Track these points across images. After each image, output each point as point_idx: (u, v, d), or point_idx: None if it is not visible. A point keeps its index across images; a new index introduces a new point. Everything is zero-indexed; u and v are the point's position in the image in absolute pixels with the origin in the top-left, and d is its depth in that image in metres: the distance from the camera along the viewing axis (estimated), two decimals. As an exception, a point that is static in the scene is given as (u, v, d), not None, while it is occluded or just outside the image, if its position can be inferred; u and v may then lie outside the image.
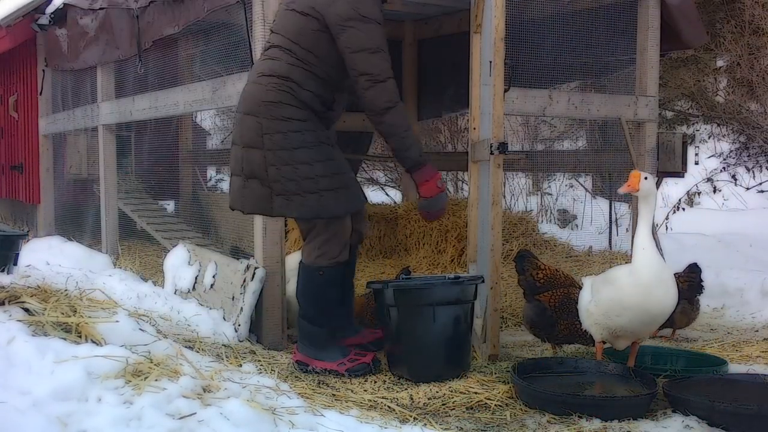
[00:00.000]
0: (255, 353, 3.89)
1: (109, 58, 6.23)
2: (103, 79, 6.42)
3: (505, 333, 4.69)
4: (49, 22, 7.20)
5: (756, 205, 10.71)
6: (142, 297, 4.53)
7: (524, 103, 4.83)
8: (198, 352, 3.61)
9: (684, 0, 5.43)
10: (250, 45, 4.28)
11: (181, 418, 2.50)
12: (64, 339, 3.02)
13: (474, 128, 4.31)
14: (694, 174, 9.75)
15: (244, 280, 4.17)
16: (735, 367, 3.85)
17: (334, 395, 3.31)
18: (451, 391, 3.38)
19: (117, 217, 6.57)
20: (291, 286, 4.35)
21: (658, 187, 5.76)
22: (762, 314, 5.10)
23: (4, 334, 2.91)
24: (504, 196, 9.56)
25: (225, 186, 12.86)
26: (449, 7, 6.37)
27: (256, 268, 4.17)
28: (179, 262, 4.87)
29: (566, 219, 10.73)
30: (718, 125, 9.17)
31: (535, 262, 4.17)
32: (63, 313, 3.22)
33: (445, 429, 2.95)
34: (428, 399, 3.31)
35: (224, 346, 3.90)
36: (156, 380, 2.72)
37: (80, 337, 3.10)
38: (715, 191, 9.95)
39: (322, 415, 2.80)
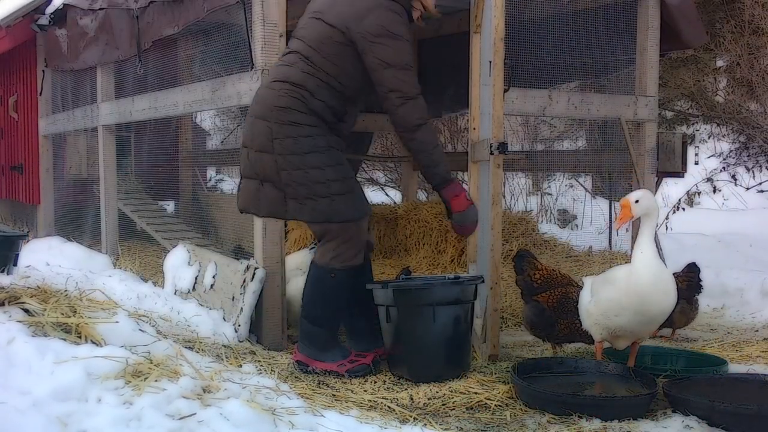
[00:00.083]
0: (255, 354, 3.89)
1: (109, 59, 6.23)
2: (103, 79, 6.42)
3: (505, 333, 4.69)
4: (49, 22, 7.20)
5: (756, 205, 10.71)
6: (142, 297, 4.53)
7: (524, 103, 4.83)
8: (198, 352, 3.61)
9: (684, 0, 5.44)
10: (249, 45, 4.28)
11: (181, 418, 2.50)
12: (64, 339, 3.02)
13: (474, 128, 4.31)
14: (694, 174, 9.75)
15: (244, 281, 4.17)
16: (735, 367, 3.85)
17: (334, 395, 3.31)
18: (451, 391, 3.38)
19: (117, 217, 6.56)
20: (291, 287, 4.36)
21: (657, 188, 5.79)
22: (762, 314, 5.10)
23: (4, 334, 2.91)
24: (504, 196, 9.56)
25: (225, 186, 12.87)
26: (449, 7, 6.37)
27: (256, 268, 4.17)
28: (179, 263, 4.87)
29: (566, 219, 10.74)
30: (718, 125, 9.17)
31: (533, 263, 4.17)
32: (63, 314, 3.22)
33: (445, 429, 2.95)
34: (428, 399, 3.30)
35: (224, 346, 3.90)
36: (156, 381, 2.72)
37: (80, 337, 3.10)
38: (715, 191, 9.95)
39: (322, 415, 2.80)
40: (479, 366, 3.83)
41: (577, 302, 3.78)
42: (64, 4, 6.79)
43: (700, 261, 4.73)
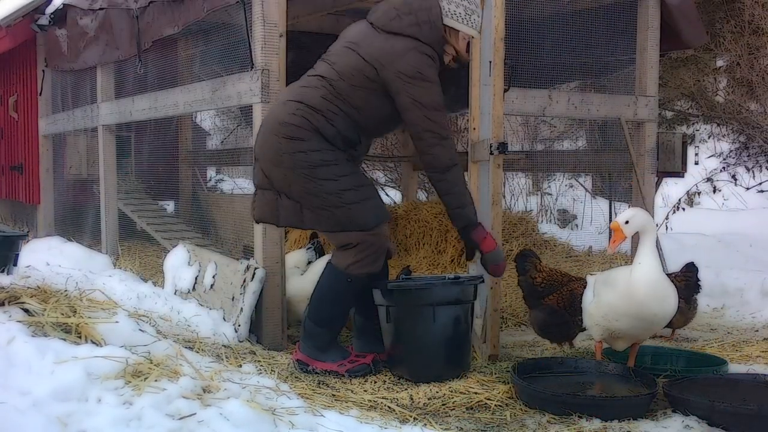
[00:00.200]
0: (255, 354, 3.89)
1: (109, 59, 6.23)
2: (103, 79, 6.42)
3: (505, 333, 4.69)
4: (49, 22, 7.20)
5: (756, 205, 10.71)
6: (142, 297, 4.53)
7: (524, 103, 4.83)
8: (198, 352, 3.61)
9: (684, 0, 5.44)
10: (250, 45, 4.28)
11: (181, 418, 2.50)
12: (64, 339, 3.02)
13: (474, 128, 4.31)
14: (694, 174, 9.75)
15: (244, 281, 4.17)
16: (735, 367, 3.85)
17: (334, 395, 3.31)
18: (451, 391, 3.38)
19: (117, 217, 6.56)
20: (290, 286, 4.36)
21: (657, 188, 5.79)
22: (762, 314, 5.10)
23: (4, 334, 2.91)
24: (504, 196, 9.56)
25: (225, 186, 12.87)
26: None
27: (256, 268, 4.17)
28: (179, 263, 4.87)
29: (566, 219, 10.74)
30: (718, 125, 9.16)
31: (535, 263, 4.16)
32: (63, 314, 3.22)
33: (445, 429, 2.95)
34: (428, 399, 3.30)
35: (224, 346, 3.90)
36: (156, 381, 2.72)
37: (80, 337, 3.10)
38: (715, 191, 9.95)
39: (322, 415, 2.80)
40: (479, 366, 3.83)
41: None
42: (64, 4, 6.79)
43: (700, 261, 4.72)
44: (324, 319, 3.67)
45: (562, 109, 5.05)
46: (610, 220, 7.26)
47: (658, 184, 5.75)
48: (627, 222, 3.44)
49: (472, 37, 3.68)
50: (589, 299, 3.67)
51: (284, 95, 3.67)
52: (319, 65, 3.66)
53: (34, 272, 5.04)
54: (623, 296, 3.42)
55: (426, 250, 6.48)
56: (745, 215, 9.90)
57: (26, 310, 3.27)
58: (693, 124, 9.65)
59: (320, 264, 4.36)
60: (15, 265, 5.11)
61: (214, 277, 4.51)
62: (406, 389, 3.43)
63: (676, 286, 3.49)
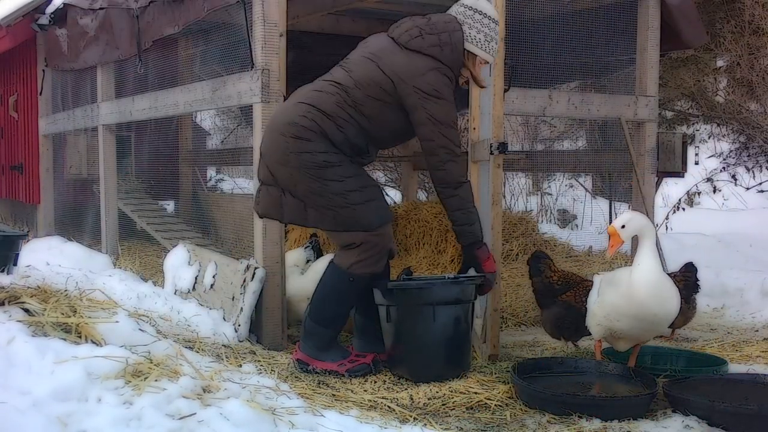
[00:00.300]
0: (255, 353, 3.89)
1: (109, 58, 6.23)
2: (103, 79, 6.42)
3: (505, 333, 4.69)
4: (49, 22, 7.20)
5: (756, 205, 10.71)
6: (142, 297, 4.53)
7: (524, 103, 4.83)
8: (198, 352, 3.61)
9: (684, 0, 5.43)
10: (250, 45, 4.28)
11: (181, 418, 2.50)
12: (64, 339, 3.02)
13: (474, 128, 4.31)
14: (694, 174, 9.75)
15: (244, 280, 4.17)
16: (735, 367, 3.85)
17: (334, 395, 3.31)
18: (451, 391, 3.38)
19: (117, 217, 6.56)
20: (290, 285, 4.36)
21: (657, 188, 5.78)
22: (762, 314, 5.10)
23: (4, 334, 2.91)
24: (504, 196, 9.56)
25: (225, 186, 12.88)
26: (449, 7, 6.37)
27: (256, 268, 4.17)
28: (179, 263, 4.87)
29: (566, 219, 10.73)
30: (718, 125, 9.16)
31: (550, 264, 4.14)
32: (63, 314, 3.22)
33: (445, 429, 2.95)
34: (428, 399, 3.31)
35: (224, 346, 3.90)
36: (156, 380, 2.72)
37: (80, 337, 3.10)
38: (715, 191, 9.95)
39: (322, 415, 2.80)
40: (479, 366, 3.83)
41: None
42: (65, 4, 6.79)
43: (700, 261, 4.73)
44: (325, 319, 3.68)
45: (563, 109, 5.05)
46: (610, 220, 7.25)
47: (658, 184, 5.74)
48: (623, 226, 3.44)
49: (488, 63, 3.73)
50: (593, 299, 3.68)
51: (295, 97, 3.68)
52: (336, 71, 3.68)
53: (34, 272, 5.04)
54: (624, 297, 3.42)
55: (426, 250, 6.48)
56: (745, 215, 9.90)
57: (26, 310, 3.27)
58: (693, 124, 9.64)
59: (321, 263, 4.36)
60: (15, 264, 5.11)
61: (214, 276, 4.51)
62: (406, 389, 3.43)
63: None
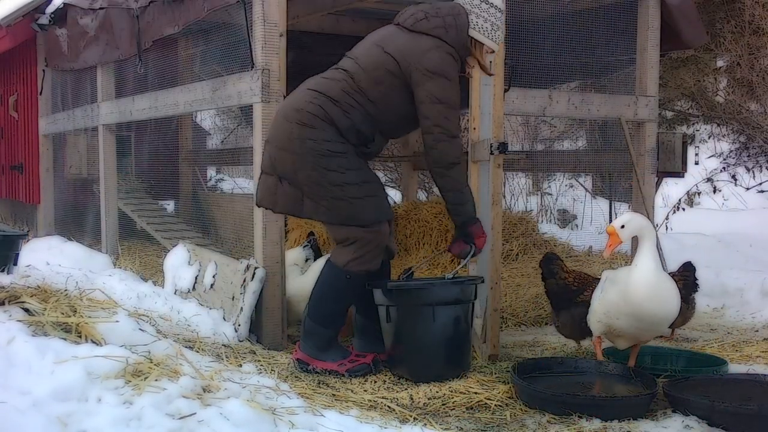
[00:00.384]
0: (255, 353, 3.89)
1: (109, 58, 6.23)
2: (103, 79, 6.42)
3: (505, 333, 4.69)
4: (49, 21, 7.20)
5: (756, 205, 10.72)
6: (142, 297, 4.53)
7: (524, 103, 4.83)
8: (198, 352, 3.61)
9: (684, 0, 5.43)
10: (250, 45, 4.28)
11: (181, 418, 2.50)
12: (64, 339, 3.02)
13: (474, 128, 4.31)
14: (694, 174, 9.75)
15: (244, 280, 4.17)
16: (735, 367, 3.85)
17: (334, 395, 3.31)
18: (451, 391, 3.38)
19: (117, 217, 6.56)
20: (290, 285, 4.35)
21: (657, 188, 5.78)
22: (762, 314, 5.10)
23: (4, 334, 2.91)
24: (504, 196, 9.56)
25: (225, 186, 12.87)
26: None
27: (256, 268, 4.17)
28: (179, 262, 4.87)
29: (566, 219, 10.73)
30: (718, 125, 9.16)
31: (562, 265, 4.11)
32: (63, 313, 3.22)
33: (445, 429, 2.95)
34: (428, 399, 3.31)
35: (224, 346, 3.90)
36: (156, 380, 2.72)
37: (80, 337, 3.10)
38: (715, 191, 9.95)
39: (322, 415, 2.80)
40: (479, 366, 3.83)
41: None
42: (65, 4, 6.78)
43: (700, 261, 4.73)
44: (324, 317, 3.68)
45: (563, 109, 5.05)
46: (611, 220, 7.26)
47: (658, 184, 5.74)
48: (623, 226, 3.44)
49: (493, 52, 3.74)
50: (597, 295, 3.68)
51: (305, 84, 3.71)
52: (344, 61, 3.71)
53: (34, 272, 5.04)
54: (622, 297, 3.43)
55: (426, 250, 6.48)
56: (745, 215, 9.90)
57: (26, 310, 3.27)
58: (693, 124, 9.65)
59: (321, 263, 4.36)
60: (15, 264, 5.11)
61: (214, 276, 4.51)
62: (406, 389, 3.43)
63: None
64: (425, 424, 2.95)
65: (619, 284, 3.48)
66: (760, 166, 9.43)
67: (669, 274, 4.20)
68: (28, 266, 5.23)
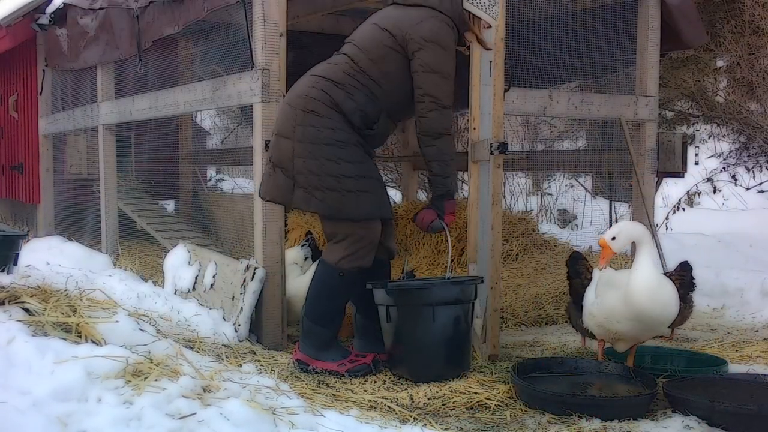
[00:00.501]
0: (255, 353, 3.89)
1: (109, 58, 6.23)
2: (103, 79, 6.42)
3: (505, 333, 4.69)
4: (49, 21, 7.20)
5: (756, 205, 10.71)
6: (142, 297, 4.53)
7: (524, 103, 4.83)
8: (198, 352, 3.61)
9: (684, 0, 5.44)
10: (250, 45, 4.28)
11: (181, 418, 2.50)
12: (64, 339, 3.02)
13: (474, 128, 4.30)
14: (694, 174, 9.75)
15: (244, 280, 4.17)
16: (735, 367, 3.85)
17: (334, 395, 3.31)
18: (451, 391, 3.38)
19: (117, 217, 6.57)
20: (290, 285, 4.35)
21: (657, 188, 5.78)
22: (762, 314, 5.09)
23: (4, 334, 2.91)
24: (504, 196, 9.56)
25: (225, 186, 12.87)
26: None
27: (256, 268, 4.17)
28: (179, 262, 4.87)
29: (566, 219, 10.73)
30: (718, 125, 9.16)
31: (587, 265, 4.08)
32: (63, 313, 3.22)
33: (445, 429, 2.95)
34: (428, 399, 3.31)
35: (224, 346, 3.90)
36: (156, 380, 2.72)
37: (80, 337, 3.10)
38: (715, 191, 9.95)
39: (322, 415, 2.80)
40: (479, 366, 3.83)
41: None
42: (65, 4, 6.78)
43: (700, 261, 4.73)
44: (320, 316, 3.68)
45: (563, 109, 5.05)
46: (610, 220, 7.27)
47: (658, 184, 5.74)
48: (614, 238, 3.43)
49: (491, 26, 3.75)
50: (591, 299, 3.67)
51: (310, 71, 3.72)
52: (346, 46, 3.73)
53: (34, 272, 5.04)
54: (623, 302, 3.42)
55: (426, 250, 6.47)
56: (745, 215, 9.90)
57: (26, 310, 3.27)
58: (693, 124, 9.64)
59: (320, 263, 4.36)
60: (15, 264, 5.11)
61: (214, 276, 4.51)
62: (406, 389, 3.43)
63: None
64: (425, 424, 2.95)
65: (618, 288, 3.48)
66: (760, 166, 9.43)
67: (666, 273, 4.21)
68: (28, 266, 5.24)
